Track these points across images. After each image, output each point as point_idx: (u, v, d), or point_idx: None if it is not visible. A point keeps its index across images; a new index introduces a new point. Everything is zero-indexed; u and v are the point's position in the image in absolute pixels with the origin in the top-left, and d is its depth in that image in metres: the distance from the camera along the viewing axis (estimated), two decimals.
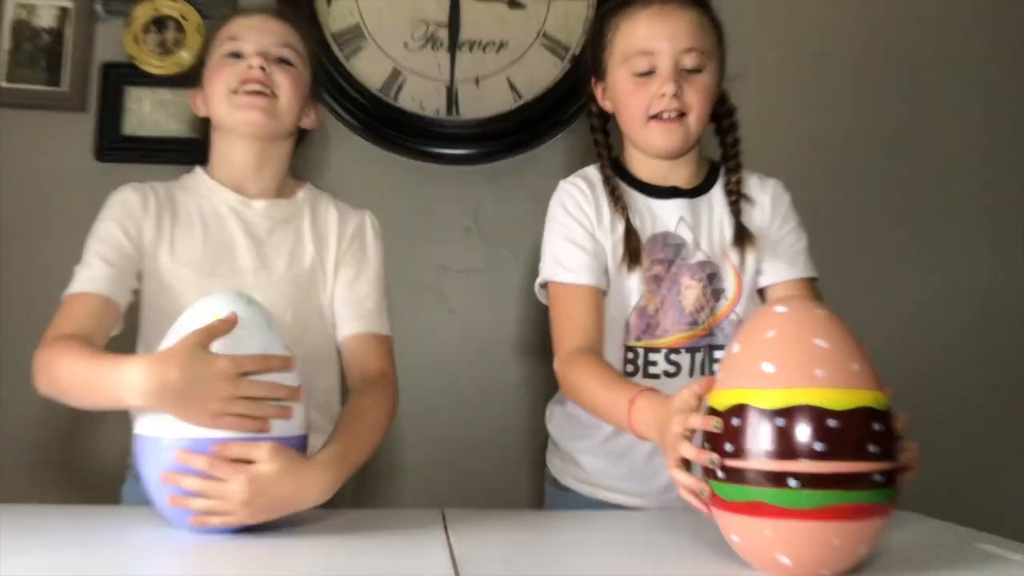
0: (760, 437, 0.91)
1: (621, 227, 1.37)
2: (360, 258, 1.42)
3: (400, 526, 1.17)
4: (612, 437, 1.39)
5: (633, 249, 1.35)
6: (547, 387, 1.66)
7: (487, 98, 1.94)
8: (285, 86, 1.38)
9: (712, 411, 0.98)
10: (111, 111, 1.88)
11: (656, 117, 1.35)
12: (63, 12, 1.90)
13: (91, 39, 1.91)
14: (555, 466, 1.52)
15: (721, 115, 1.44)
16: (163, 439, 1.07)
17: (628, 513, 1.34)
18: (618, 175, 1.42)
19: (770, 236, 1.41)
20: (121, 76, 1.89)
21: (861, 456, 0.90)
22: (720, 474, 0.94)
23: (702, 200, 1.42)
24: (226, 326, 1.08)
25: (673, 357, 1.35)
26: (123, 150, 1.89)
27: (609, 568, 1.04)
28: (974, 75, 2.05)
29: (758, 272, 1.40)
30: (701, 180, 1.43)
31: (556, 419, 1.51)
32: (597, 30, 1.43)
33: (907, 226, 2.03)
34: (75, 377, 1.14)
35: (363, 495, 1.71)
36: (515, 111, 1.93)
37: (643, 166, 1.43)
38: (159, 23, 1.89)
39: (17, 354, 1.77)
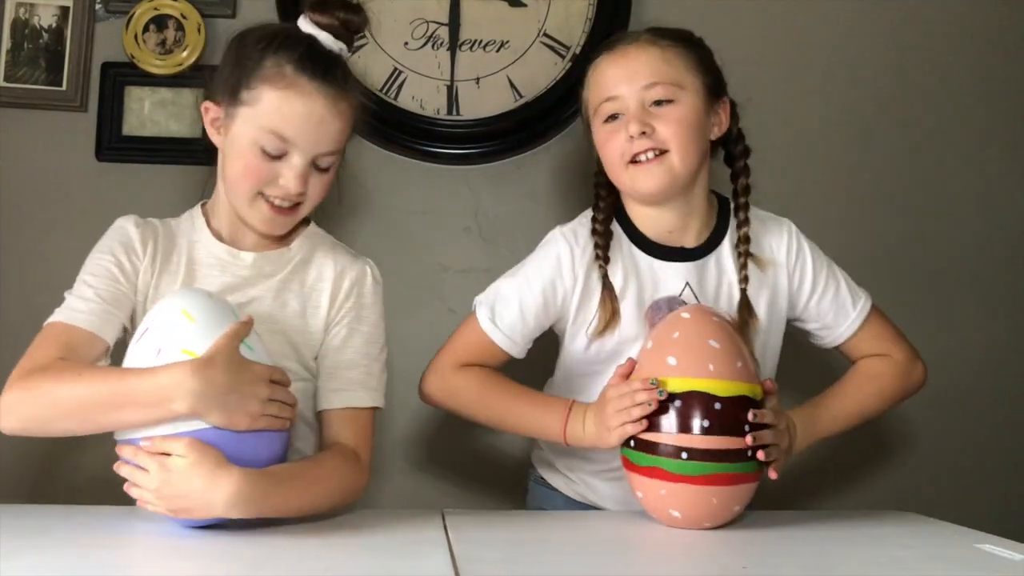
0: (663, 414, 1.16)
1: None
2: (353, 318, 1.32)
3: (400, 526, 1.17)
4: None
5: (608, 315, 1.32)
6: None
7: (487, 98, 1.94)
8: (314, 195, 1.28)
9: None
10: (111, 111, 1.88)
11: (634, 161, 1.31)
12: (63, 12, 1.90)
13: (91, 39, 1.90)
14: (540, 465, 1.54)
15: (735, 155, 1.39)
16: (139, 440, 1.10)
17: (627, 513, 1.34)
18: (624, 226, 1.38)
19: (797, 300, 1.40)
20: (121, 76, 1.89)
21: (737, 432, 1.15)
22: (632, 443, 1.19)
23: (710, 260, 1.37)
24: (247, 328, 1.13)
25: None
26: (123, 150, 1.89)
27: (608, 568, 1.04)
28: (977, 78, 2.05)
29: (813, 336, 1.45)
30: (710, 233, 1.38)
31: None
32: (581, 90, 1.40)
33: (910, 225, 2.03)
34: (91, 394, 1.09)
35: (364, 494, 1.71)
36: (515, 111, 1.93)
37: (645, 220, 1.38)
38: (159, 22, 1.89)
39: (18, 353, 1.77)
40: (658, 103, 1.29)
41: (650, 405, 1.17)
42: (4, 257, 1.86)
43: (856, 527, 1.22)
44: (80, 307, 1.22)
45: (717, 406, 1.15)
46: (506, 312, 1.37)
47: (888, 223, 2.02)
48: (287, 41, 1.25)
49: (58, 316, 1.22)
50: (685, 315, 1.23)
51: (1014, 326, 2.04)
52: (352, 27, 1.29)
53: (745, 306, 1.34)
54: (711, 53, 1.39)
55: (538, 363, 1.49)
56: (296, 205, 1.28)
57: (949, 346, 2.01)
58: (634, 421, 1.18)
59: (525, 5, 1.96)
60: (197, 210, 1.37)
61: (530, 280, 1.37)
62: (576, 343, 1.38)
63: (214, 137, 1.30)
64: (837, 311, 1.41)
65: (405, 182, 1.95)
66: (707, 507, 1.16)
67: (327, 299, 1.32)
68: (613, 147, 1.32)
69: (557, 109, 1.94)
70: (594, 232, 1.36)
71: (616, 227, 1.38)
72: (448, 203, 1.96)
